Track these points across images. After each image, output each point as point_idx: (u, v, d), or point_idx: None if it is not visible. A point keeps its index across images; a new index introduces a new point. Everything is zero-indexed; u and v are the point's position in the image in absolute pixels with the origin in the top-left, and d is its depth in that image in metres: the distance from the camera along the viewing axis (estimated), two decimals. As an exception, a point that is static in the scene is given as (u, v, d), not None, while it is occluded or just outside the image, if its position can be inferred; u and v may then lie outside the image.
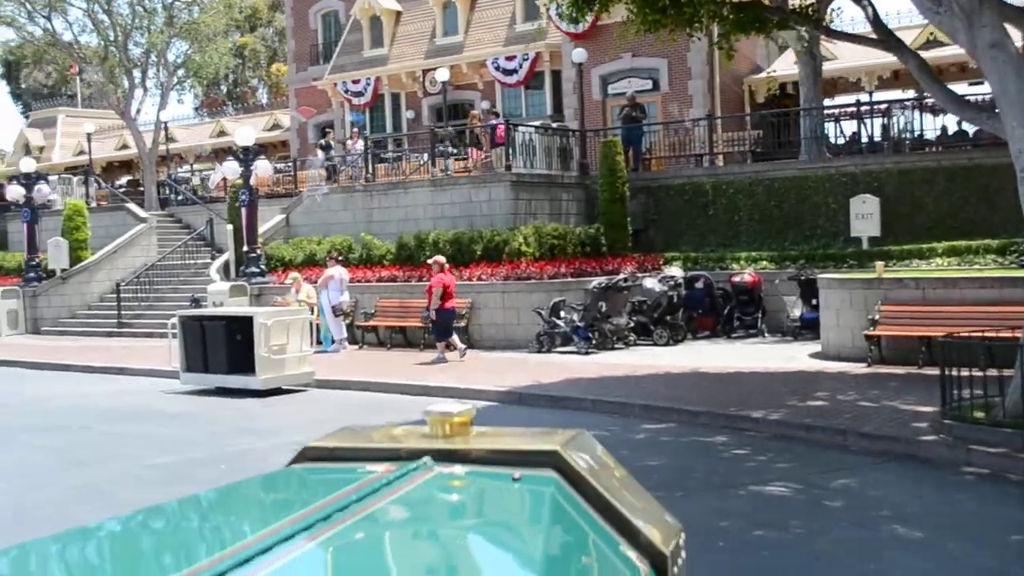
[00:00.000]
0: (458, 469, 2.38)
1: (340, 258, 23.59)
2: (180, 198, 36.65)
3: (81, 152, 52.69)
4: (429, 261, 20.54)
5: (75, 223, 30.75)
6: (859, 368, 16.60)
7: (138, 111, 42.98)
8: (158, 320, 26.46)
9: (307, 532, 1.89)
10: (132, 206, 33.61)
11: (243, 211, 25.47)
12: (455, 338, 19.94)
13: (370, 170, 28.96)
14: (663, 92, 31.12)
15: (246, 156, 25.10)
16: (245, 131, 25.64)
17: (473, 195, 25.16)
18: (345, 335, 22.44)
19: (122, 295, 28.33)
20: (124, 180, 50.25)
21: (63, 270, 30.28)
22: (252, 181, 25.38)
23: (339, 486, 2.21)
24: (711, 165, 27.65)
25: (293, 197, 29.90)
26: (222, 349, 17.55)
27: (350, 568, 1.88)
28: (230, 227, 27.25)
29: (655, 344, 20.75)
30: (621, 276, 21.30)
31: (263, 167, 25.48)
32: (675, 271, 22.24)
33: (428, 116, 36.47)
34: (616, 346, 20.39)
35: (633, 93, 29.63)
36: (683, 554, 2.46)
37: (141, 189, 42.09)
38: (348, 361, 20.48)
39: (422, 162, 28.06)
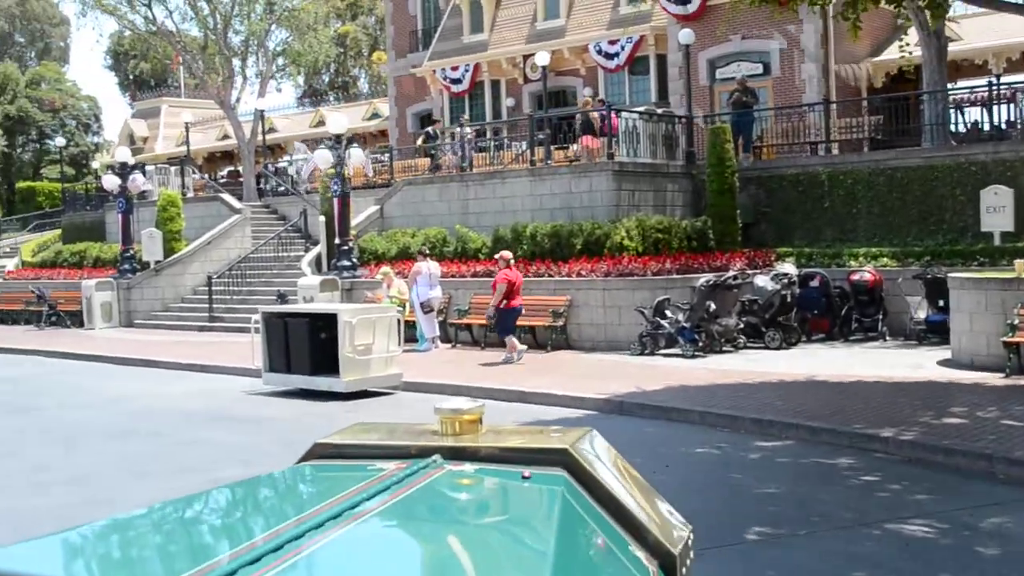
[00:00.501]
0: (468, 467, 2.42)
1: (429, 252, 22.54)
2: (278, 188, 36.12)
3: (183, 143, 52.91)
4: (496, 256, 19.70)
5: (169, 214, 30.33)
6: (996, 379, 14.97)
7: (237, 100, 42.69)
8: (249, 315, 25.79)
9: (317, 530, 1.91)
10: (227, 196, 33.12)
11: (335, 202, 24.64)
12: (513, 339, 18.85)
13: (468, 159, 27.93)
14: (774, 76, 29.45)
15: (338, 144, 24.24)
16: (337, 118, 24.81)
17: (573, 185, 23.93)
18: (437, 333, 21.44)
19: (214, 288, 27.80)
20: (226, 171, 50.27)
21: (157, 262, 29.90)
22: (345, 171, 24.53)
23: (349, 484, 2.25)
24: (827, 153, 25.95)
25: (390, 187, 29.05)
26: (305, 348, 16.67)
27: (360, 567, 1.89)
28: (322, 218, 26.48)
29: (766, 347, 19.29)
30: (730, 273, 19.90)
31: (356, 156, 24.60)
32: (788, 268, 20.73)
33: (528, 104, 35.28)
34: (724, 349, 19.00)
35: (743, 77, 28.06)
36: (691, 555, 2.48)
37: (241, 180, 41.87)
38: (439, 362, 19.46)
39: (521, 150, 26.89)
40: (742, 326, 19.39)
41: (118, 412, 15.74)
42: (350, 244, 24.71)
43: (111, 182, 30.22)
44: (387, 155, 34.03)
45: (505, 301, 18.55)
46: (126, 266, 30.01)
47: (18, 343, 25.95)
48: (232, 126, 41.87)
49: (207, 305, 27.65)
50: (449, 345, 21.67)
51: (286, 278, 27.32)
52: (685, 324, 18.72)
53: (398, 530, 2.10)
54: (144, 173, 34.28)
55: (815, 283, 20.34)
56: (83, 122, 69.04)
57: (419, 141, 32.39)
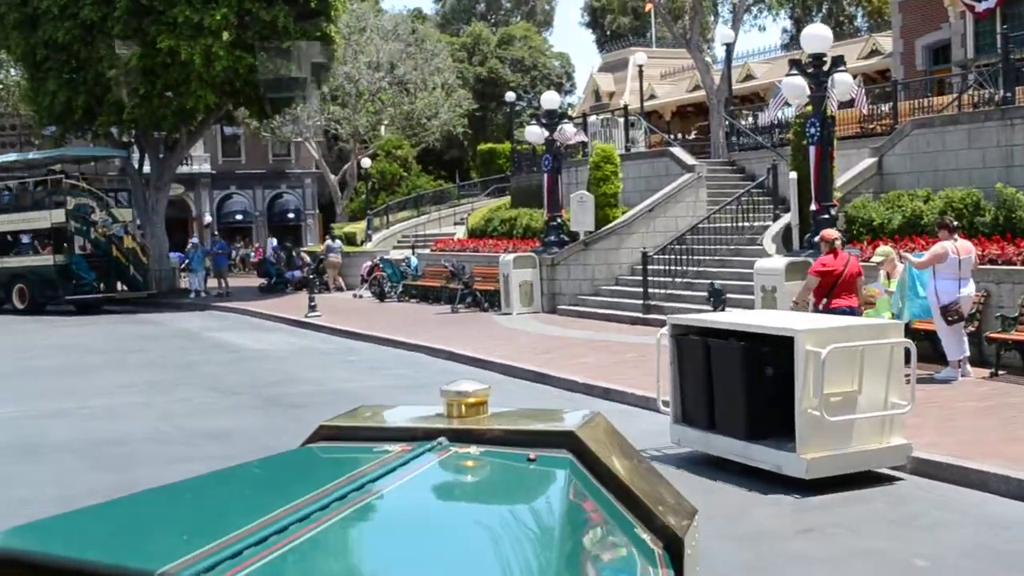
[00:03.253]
0: (473, 449, 2.43)
1: (955, 224, 14.44)
2: (741, 141, 28.98)
3: (652, 96, 47.11)
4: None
5: (603, 172, 24.23)
6: None
7: (708, 42, 36.07)
8: (694, 305, 19.16)
9: (322, 512, 1.92)
10: (677, 150, 26.44)
11: (811, 153, 17.18)
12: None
13: (1008, 89, 19.25)
14: None
15: (819, 66, 16.68)
16: (816, 34, 17.21)
17: None
18: (966, 352, 13.47)
19: (652, 268, 21.35)
20: (695, 127, 43.88)
21: (587, 233, 23.97)
22: (827, 106, 16.97)
23: (355, 465, 2.26)
24: None
25: (892, 134, 21.00)
26: (738, 393, 9.60)
27: (366, 548, 1.93)
28: (793, 175, 19.04)
29: None
30: None
31: (842, 82, 16.81)
32: None
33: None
34: None
35: None
36: (697, 536, 2.54)
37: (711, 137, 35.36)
38: (976, 408, 11.54)
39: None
40: None
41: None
42: (833, 211, 17.17)
43: (535, 134, 24.66)
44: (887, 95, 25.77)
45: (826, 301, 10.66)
46: (551, 237, 24.35)
47: (410, 333, 21.03)
48: (699, 71, 35.22)
49: (642, 290, 21.26)
50: (987, 373, 13.53)
51: (746, 256, 20.27)
52: None
53: (404, 512, 2.09)
54: (586, 126, 28.62)
55: None
56: (555, 81, 65.56)
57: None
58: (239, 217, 59.73)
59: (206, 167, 58.46)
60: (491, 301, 25.05)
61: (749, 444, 9.47)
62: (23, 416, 13.56)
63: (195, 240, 36.70)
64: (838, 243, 12.25)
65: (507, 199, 40.27)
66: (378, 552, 1.88)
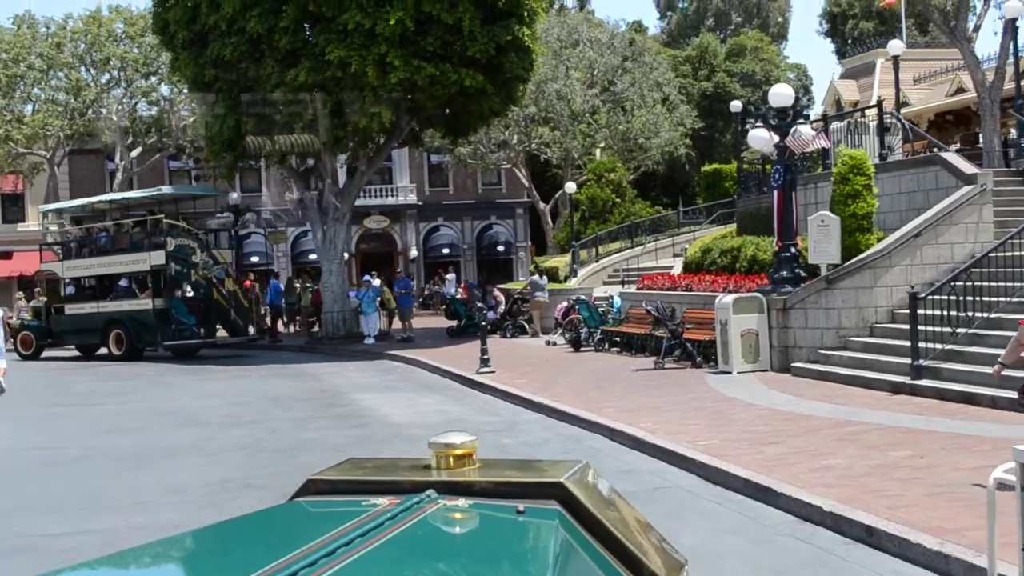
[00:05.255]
0: (462, 502, 2.44)
1: None
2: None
3: (904, 104, 40.55)
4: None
5: (852, 187, 18.50)
6: None
7: (975, 29, 29.65)
8: (984, 368, 13.32)
9: (311, 568, 1.91)
10: (951, 156, 20.24)
11: None
12: None
13: None
14: None
15: None
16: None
17: None
18: None
19: (922, 313, 15.54)
20: (957, 139, 37.09)
21: (831, 266, 18.33)
22: None
23: (343, 520, 2.24)
24: None
25: None
26: None
27: None
28: None
29: None
30: None
31: None
32: None
33: None
34: None
35: None
36: None
37: (980, 147, 28.94)
38: None
39: None
40: None
41: None
42: None
43: (761, 139, 19.21)
44: None
45: None
46: (783, 273, 18.79)
47: (593, 401, 16.00)
48: (968, 65, 28.79)
49: (909, 343, 15.49)
50: None
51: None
52: None
53: (393, 567, 2.08)
54: (827, 129, 22.96)
55: None
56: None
57: None
58: (446, 251, 56.14)
59: (412, 198, 55.22)
60: (706, 354, 19.73)
61: None
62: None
63: (368, 277, 32.75)
64: None
65: (733, 227, 34.75)
66: None
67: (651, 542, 2.55)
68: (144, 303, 30.64)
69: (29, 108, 43.80)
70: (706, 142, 57.01)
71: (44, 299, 34.02)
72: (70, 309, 32.27)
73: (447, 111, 31.07)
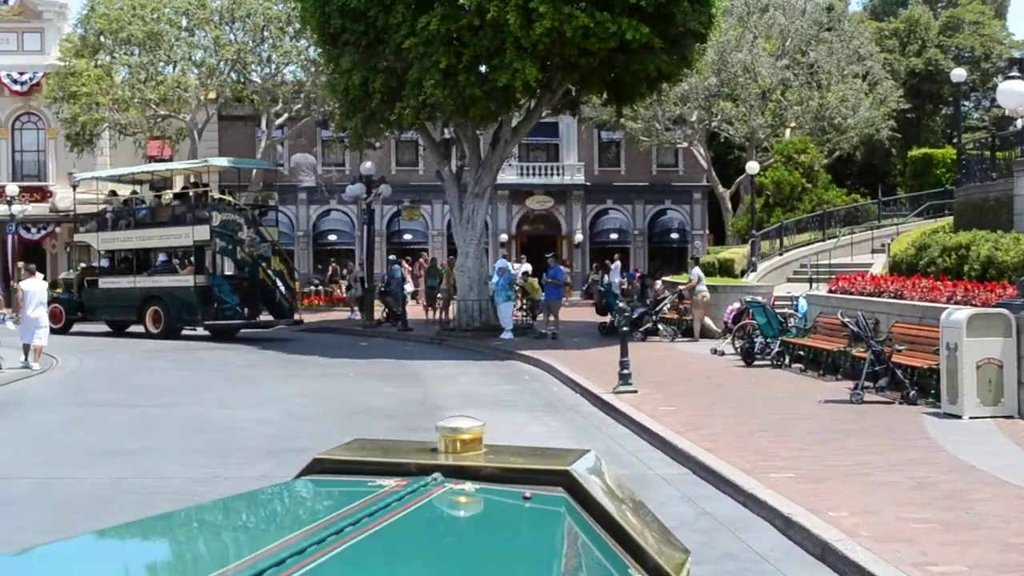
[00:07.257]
0: (468, 486, 2.38)
1: None
2: None
3: None
4: None
5: None
6: None
7: None
8: None
9: (319, 546, 1.88)
10: None
11: None
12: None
13: None
14: None
15: None
16: None
17: None
18: None
19: None
20: None
21: (1114, 274, 12.95)
22: None
23: (350, 500, 2.23)
24: None
25: None
26: None
27: None
28: None
29: None
30: None
31: None
32: None
33: None
34: None
35: None
36: None
37: None
38: None
39: None
40: None
41: None
42: None
43: (1012, 94, 13.84)
44: None
45: None
46: (1036, 283, 13.51)
47: (759, 450, 11.25)
48: None
49: None
50: None
51: None
52: None
53: (399, 548, 2.05)
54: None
55: None
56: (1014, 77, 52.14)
57: None
58: (614, 236, 51.42)
59: (579, 177, 50.66)
60: (923, 386, 14.59)
61: None
62: None
63: (499, 263, 28.38)
64: None
65: (947, 220, 29.00)
66: None
67: (656, 533, 2.54)
68: (185, 280, 28.89)
69: (170, 69, 41.11)
70: (911, 126, 50.45)
71: (75, 272, 31.79)
72: (104, 283, 30.42)
73: (610, 73, 26.41)
